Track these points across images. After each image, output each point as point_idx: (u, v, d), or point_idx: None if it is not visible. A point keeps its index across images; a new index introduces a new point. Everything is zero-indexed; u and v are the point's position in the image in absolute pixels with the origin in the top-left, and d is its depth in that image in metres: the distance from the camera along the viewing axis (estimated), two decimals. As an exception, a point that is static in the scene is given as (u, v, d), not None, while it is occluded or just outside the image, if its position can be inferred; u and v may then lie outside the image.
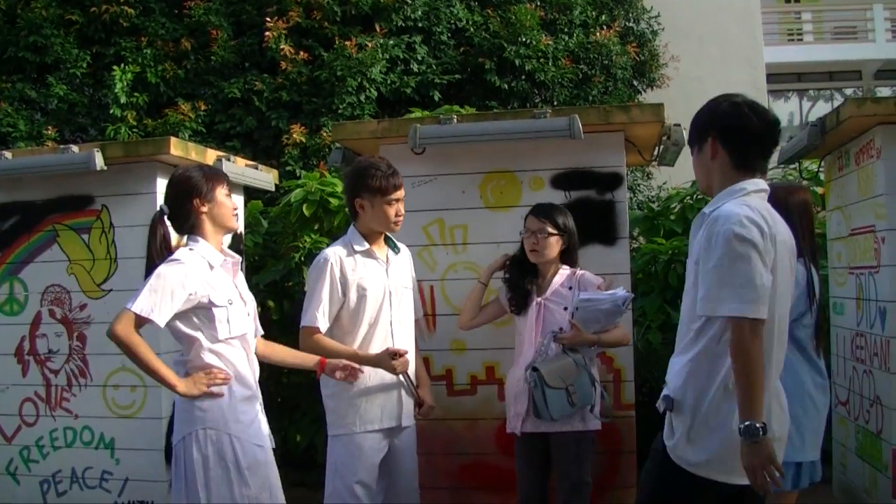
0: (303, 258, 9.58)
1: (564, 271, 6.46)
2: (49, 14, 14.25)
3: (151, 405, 7.37)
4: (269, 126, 14.00)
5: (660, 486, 4.35)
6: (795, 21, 32.34)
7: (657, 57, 17.77)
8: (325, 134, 13.26)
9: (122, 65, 14.14)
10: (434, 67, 14.78)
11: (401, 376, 6.01)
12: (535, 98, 15.18)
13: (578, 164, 7.17)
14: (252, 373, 5.27)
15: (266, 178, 8.65)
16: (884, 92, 29.11)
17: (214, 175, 5.36)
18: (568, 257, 6.49)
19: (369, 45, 14.07)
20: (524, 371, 6.15)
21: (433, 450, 6.45)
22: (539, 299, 6.38)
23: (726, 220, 3.93)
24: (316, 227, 9.88)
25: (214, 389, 5.02)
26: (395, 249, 6.25)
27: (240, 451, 4.99)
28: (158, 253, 5.14)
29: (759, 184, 4.19)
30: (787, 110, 32.35)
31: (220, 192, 5.29)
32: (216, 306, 5.05)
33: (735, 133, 4.19)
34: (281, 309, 9.81)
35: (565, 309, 6.31)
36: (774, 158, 9.91)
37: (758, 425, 3.82)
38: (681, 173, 10.11)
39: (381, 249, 6.12)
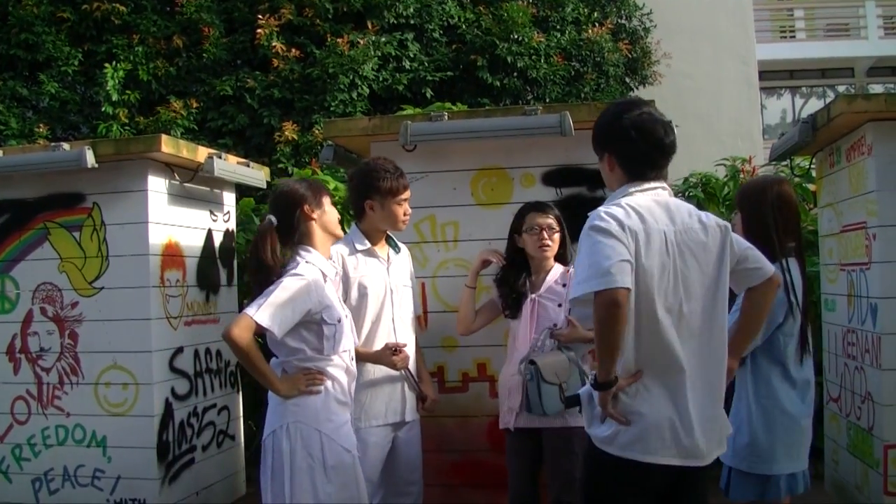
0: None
1: (558, 268, 6.37)
2: (40, 11, 14.28)
3: (143, 403, 7.36)
4: (261, 123, 14.03)
5: (586, 469, 4.52)
6: (788, 18, 32.29)
7: (649, 54, 17.82)
8: (316, 131, 13.29)
9: (114, 62, 14.17)
10: (426, 65, 14.81)
11: (403, 371, 6.07)
12: (527, 95, 15.20)
13: (569, 160, 7.18)
14: (349, 384, 5.37)
15: (258, 175, 8.64)
16: (876, 89, 29.15)
17: (319, 186, 5.52)
18: (561, 254, 6.40)
19: (361, 42, 14.08)
20: (519, 364, 6.11)
21: (425, 447, 6.38)
22: (533, 296, 6.28)
23: (590, 219, 4.24)
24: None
25: (312, 389, 5.14)
26: (396, 249, 6.30)
27: (327, 449, 5.09)
28: (275, 261, 5.21)
29: (647, 184, 4.40)
30: (779, 107, 32.39)
31: (327, 200, 5.45)
32: (326, 324, 5.17)
33: (623, 152, 4.44)
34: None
35: (559, 305, 6.24)
36: (765, 155, 9.97)
37: (608, 381, 4.17)
38: (672, 170, 10.10)
39: (382, 248, 6.16)
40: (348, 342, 5.36)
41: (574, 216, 6.77)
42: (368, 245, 6.01)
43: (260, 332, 5.01)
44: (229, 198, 8.70)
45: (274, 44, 14.08)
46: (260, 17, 14.25)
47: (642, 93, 17.30)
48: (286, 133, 13.51)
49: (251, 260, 5.26)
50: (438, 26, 15.15)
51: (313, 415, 5.11)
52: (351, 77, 13.86)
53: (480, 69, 14.68)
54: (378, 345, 5.96)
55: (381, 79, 14.40)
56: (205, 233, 8.29)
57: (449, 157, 7.27)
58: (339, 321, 5.23)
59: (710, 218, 4.44)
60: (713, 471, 4.74)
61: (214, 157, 7.71)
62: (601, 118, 4.54)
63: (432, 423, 6.79)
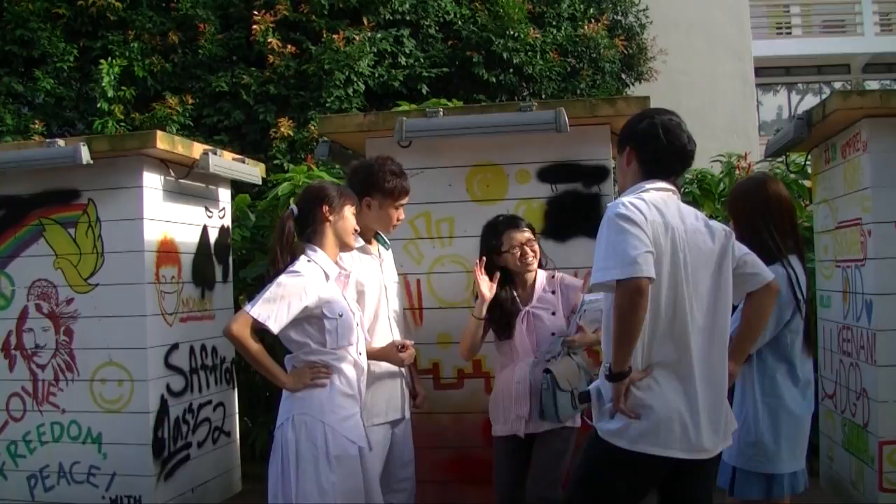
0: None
1: (542, 275, 6.41)
2: (36, 7, 14.21)
3: (138, 399, 7.36)
4: (256, 120, 14.01)
5: (589, 462, 4.62)
6: (784, 14, 32.33)
7: (645, 50, 17.79)
8: (312, 127, 13.25)
9: (110, 58, 14.11)
10: (422, 61, 14.79)
11: (404, 368, 6.12)
12: (523, 91, 15.20)
13: (565, 157, 7.18)
14: (357, 377, 5.44)
15: (253, 171, 8.65)
16: (872, 85, 29.13)
17: (346, 193, 5.62)
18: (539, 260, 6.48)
19: (357, 38, 14.06)
20: (529, 372, 6.17)
21: (420, 443, 6.39)
22: (526, 309, 6.29)
23: (612, 207, 4.34)
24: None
25: (318, 382, 5.24)
26: (385, 245, 6.30)
27: (330, 440, 5.16)
28: (284, 248, 5.34)
29: (661, 184, 4.53)
30: (775, 104, 32.39)
31: (348, 209, 5.55)
32: (327, 318, 5.27)
33: (646, 149, 4.57)
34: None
35: (553, 314, 6.27)
36: (761, 151, 9.97)
37: (622, 371, 4.29)
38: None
39: (373, 245, 6.17)
40: (355, 336, 5.41)
41: (569, 212, 6.84)
42: (362, 242, 5.98)
43: (264, 329, 5.10)
44: (225, 194, 8.70)
45: (270, 40, 14.05)
46: (256, 13, 14.21)
47: (638, 89, 17.29)
48: (282, 129, 13.49)
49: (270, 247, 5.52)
50: (434, 22, 15.13)
51: (318, 407, 5.20)
52: (346, 73, 13.85)
53: (476, 65, 14.66)
54: (377, 341, 5.98)
55: (376, 75, 14.38)
56: (200, 229, 8.28)
57: (444, 154, 7.27)
58: (342, 315, 5.30)
59: (715, 223, 4.62)
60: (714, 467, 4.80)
61: (210, 154, 7.70)
62: (631, 119, 4.71)
63: (427, 419, 6.84)
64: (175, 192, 7.82)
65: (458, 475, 7.05)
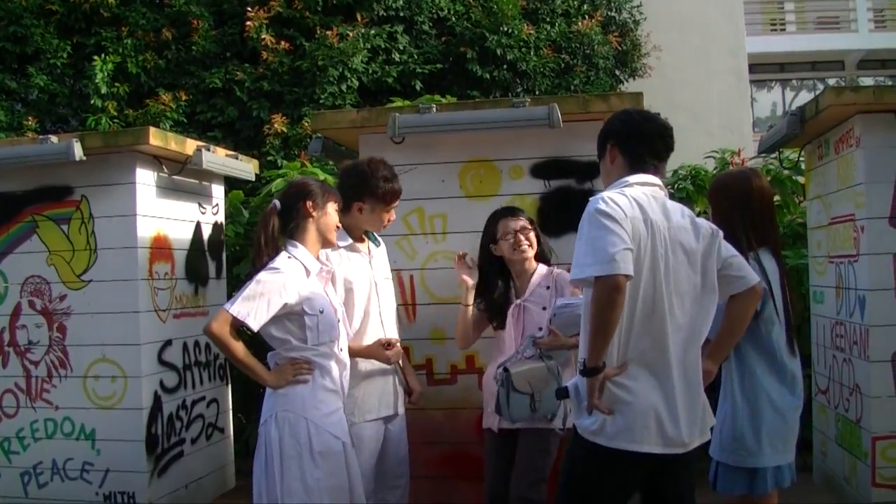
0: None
1: (542, 269, 6.33)
2: (29, 4, 14.29)
3: (132, 396, 7.36)
4: (250, 116, 14.04)
5: (572, 461, 4.61)
6: (778, 10, 32.30)
7: (639, 47, 17.85)
8: (306, 124, 13.28)
9: (103, 55, 14.17)
10: (416, 57, 14.83)
11: (394, 365, 6.10)
12: (516, 88, 15.22)
13: (558, 153, 7.17)
14: (339, 373, 5.43)
15: (246, 168, 8.66)
16: (867, 82, 29.04)
17: (330, 190, 5.62)
18: (541, 254, 6.40)
19: (350, 34, 14.10)
20: (497, 368, 6.08)
21: (414, 439, 6.40)
22: (518, 301, 6.26)
23: (592, 202, 4.30)
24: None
25: (300, 378, 5.22)
26: (376, 242, 6.29)
27: (314, 436, 5.15)
28: (268, 242, 5.34)
29: (646, 178, 4.52)
30: (769, 100, 32.39)
31: (332, 206, 5.53)
32: (308, 315, 5.25)
33: (627, 136, 4.59)
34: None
35: (543, 309, 6.18)
36: (755, 147, 9.99)
37: (596, 366, 4.24)
38: (662, 163, 10.15)
39: (363, 243, 6.15)
40: (336, 332, 5.40)
41: (563, 208, 6.84)
42: (350, 241, 5.99)
43: (244, 326, 5.11)
44: (218, 190, 8.70)
45: (263, 36, 14.09)
46: (249, 9, 14.27)
47: (632, 85, 17.32)
48: (275, 125, 13.53)
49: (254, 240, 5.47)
50: (428, 18, 15.16)
51: (300, 403, 5.18)
52: (340, 69, 13.87)
53: (470, 61, 14.69)
54: (368, 339, 5.97)
55: (370, 71, 14.41)
56: (193, 225, 8.29)
57: (437, 150, 7.26)
58: (322, 311, 5.28)
59: (702, 221, 4.58)
60: (701, 463, 4.79)
61: (203, 150, 7.71)
62: (607, 119, 4.70)
63: (421, 415, 6.81)
64: (168, 189, 7.82)
65: (453, 471, 7.04)
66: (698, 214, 10.68)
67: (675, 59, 19.53)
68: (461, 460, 7.00)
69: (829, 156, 7.48)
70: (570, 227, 6.73)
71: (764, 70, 30.34)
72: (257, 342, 5.43)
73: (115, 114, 14.05)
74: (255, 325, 5.08)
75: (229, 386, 8.79)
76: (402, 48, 14.78)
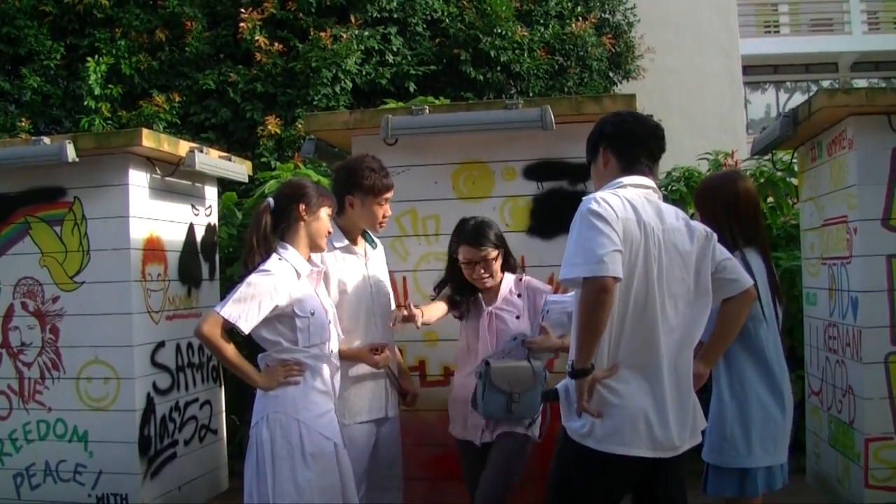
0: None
1: (509, 278, 6.26)
2: (22, 5, 14.32)
3: (124, 397, 7.36)
4: (243, 117, 14.06)
5: (562, 464, 4.62)
6: (772, 13, 32.34)
7: (633, 48, 17.87)
8: (299, 125, 13.29)
9: (97, 56, 14.22)
10: (409, 59, 14.84)
11: (385, 369, 6.08)
12: (510, 89, 15.25)
13: (551, 154, 7.18)
14: (330, 375, 5.47)
15: (240, 169, 8.66)
16: (860, 84, 29.14)
17: (325, 194, 5.64)
18: (506, 264, 6.29)
19: (344, 36, 14.13)
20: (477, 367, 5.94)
21: (407, 440, 6.46)
22: (490, 309, 6.15)
23: (585, 202, 4.33)
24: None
25: (291, 380, 5.24)
26: (373, 244, 6.28)
27: (305, 437, 5.19)
28: (260, 241, 5.37)
29: (640, 180, 4.54)
30: (763, 102, 32.41)
31: (325, 210, 5.55)
32: (299, 317, 5.29)
33: (620, 139, 4.62)
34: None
35: (517, 318, 6.12)
36: (749, 149, 10.00)
37: (584, 368, 4.28)
38: (655, 164, 10.18)
39: (359, 245, 6.15)
40: (327, 334, 5.44)
41: (555, 210, 6.86)
42: (346, 242, 6.00)
43: (236, 328, 5.12)
44: (211, 192, 8.70)
45: (257, 38, 14.11)
46: (243, 10, 14.28)
47: (626, 87, 17.33)
48: (269, 127, 13.57)
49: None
50: (422, 20, 15.18)
51: (292, 404, 5.22)
52: (334, 71, 13.89)
53: (464, 63, 14.71)
54: (362, 340, 5.97)
55: (364, 73, 14.43)
56: (187, 227, 8.28)
57: (430, 151, 7.28)
58: (313, 313, 5.33)
59: (697, 224, 4.62)
60: (695, 465, 4.81)
61: (196, 151, 7.71)
62: (598, 122, 4.69)
63: (413, 416, 6.83)
64: (161, 190, 7.82)
65: (446, 472, 6.98)
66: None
67: (668, 61, 19.55)
68: (454, 461, 6.92)
69: (821, 158, 7.48)
70: (563, 229, 6.66)
71: (758, 72, 30.38)
72: (251, 344, 5.41)
73: (109, 115, 14.08)
74: (245, 327, 5.11)
75: (222, 388, 8.78)
76: (395, 50, 14.79)
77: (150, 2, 15.01)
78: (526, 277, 6.34)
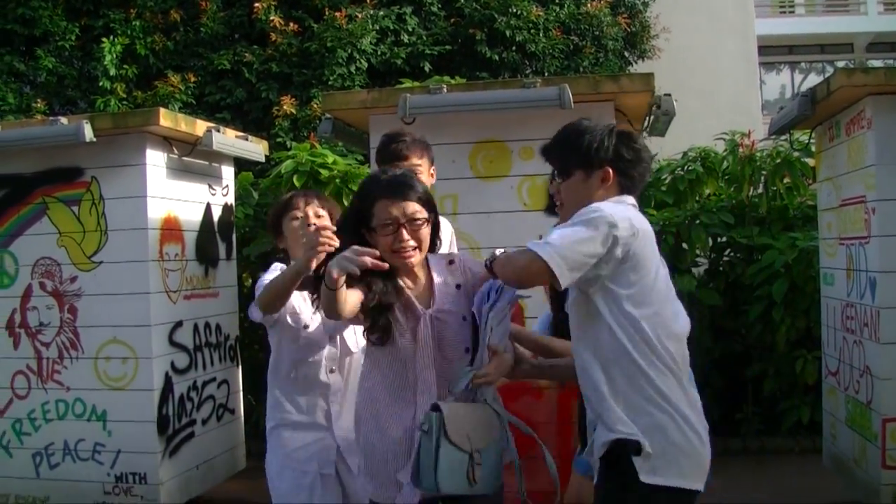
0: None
1: (436, 262, 4.43)
2: (37, -14, 14.27)
3: (143, 377, 7.41)
4: (259, 98, 14.04)
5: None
6: (787, -7, 32.34)
7: (648, 28, 17.74)
8: (315, 105, 13.31)
9: (111, 37, 14.22)
10: (424, 38, 14.79)
11: None
12: (525, 69, 15.19)
13: (569, 134, 7.12)
14: (316, 397, 5.43)
15: (256, 149, 8.67)
16: (876, 65, 29.09)
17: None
18: (430, 245, 4.43)
19: (359, 16, 14.08)
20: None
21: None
22: (429, 312, 4.25)
23: (599, 207, 3.87)
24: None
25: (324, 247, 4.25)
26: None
27: (283, 474, 5.36)
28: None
29: (632, 200, 4.21)
30: (778, 83, 32.42)
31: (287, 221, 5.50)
32: (291, 327, 5.32)
33: (629, 167, 4.21)
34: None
35: (464, 319, 4.28)
36: (765, 130, 9.98)
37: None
38: (671, 143, 10.21)
39: None
40: (322, 353, 5.42)
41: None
42: None
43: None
44: (228, 172, 8.73)
45: (272, 18, 14.10)
46: (257, -9, 14.26)
47: (641, 67, 17.25)
48: (284, 107, 13.57)
49: None
50: (437, 0, 15.13)
51: (272, 449, 5.47)
52: (349, 51, 13.86)
53: (479, 43, 14.66)
54: None
55: (379, 53, 14.40)
56: (203, 207, 8.32)
57: (448, 130, 7.26)
58: (307, 327, 5.35)
59: None
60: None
61: (213, 131, 7.75)
62: (599, 134, 4.22)
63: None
64: (178, 170, 7.85)
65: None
66: (708, 196, 10.78)
67: (684, 41, 19.45)
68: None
69: (839, 137, 7.47)
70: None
71: (773, 52, 30.35)
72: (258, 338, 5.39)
73: (124, 95, 14.11)
74: (255, 317, 5.30)
75: (239, 367, 8.83)
76: (410, 30, 14.75)
77: (164, -18, 15.02)
78: (455, 253, 4.92)
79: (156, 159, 7.56)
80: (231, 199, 8.87)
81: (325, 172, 9.70)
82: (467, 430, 3.97)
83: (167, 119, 7.31)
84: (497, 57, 14.73)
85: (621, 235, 3.78)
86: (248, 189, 10.28)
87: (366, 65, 14.17)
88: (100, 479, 7.51)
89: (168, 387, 7.58)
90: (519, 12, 14.80)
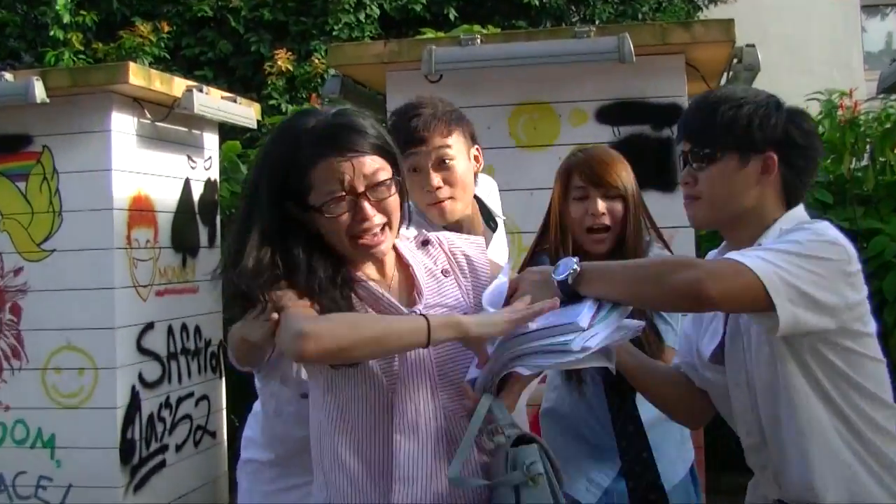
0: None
1: (403, 246, 3.52)
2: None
3: (103, 393, 7.36)
4: (247, 51, 14.08)
5: None
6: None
7: (722, -37, 17.72)
8: (316, 61, 13.34)
9: (65, -24, 14.14)
10: (449, -21, 14.78)
11: None
12: (571, 16, 15.19)
13: (629, 93, 7.15)
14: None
15: (247, 113, 8.66)
16: None
17: None
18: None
19: (370, -49, 14.06)
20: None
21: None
22: (417, 309, 3.33)
23: (831, 234, 3.43)
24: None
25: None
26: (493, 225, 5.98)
27: None
28: None
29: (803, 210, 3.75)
30: (883, 30, 32.20)
31: None
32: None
33: (801, 164, 3.75)
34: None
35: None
36: (869, 88, 9.89)
37: None
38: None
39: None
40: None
41: (635, 161, 6.70)
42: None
43: None
44: (211, 141, 8.72)
45: (263, -48, 14.08)
46: (245, -80, 14.25)
47: (713, 12, 17.21)
48: (279, 63, 13.56)
49: None
50: (464, -67, 15.14)
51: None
52: (358, -6, 13.87)
53: (515, -16, 14.67)
54: None
55: (393, -3, 14.41)
56: (181, 183, 8.31)
57: (482, 90, 7.24)
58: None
59: None
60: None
61: (194, 91, 7.70)
62: (763, 106, 3.69)
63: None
64: (151, 138, 7.83)
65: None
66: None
67: (768, -18, 19.43)
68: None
69: (967, 95, 7.40)
70: (645, 185, 6.53)
71: (877, -7, 30.24)
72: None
73: (81, 48, 14.08)
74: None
75: (223, 379, 8.83)
76: (432, -32, 14.76)
77: None
78: (437, 234, 3.74)
79: (123, 125, 7.53)
80: (215, 174, 8.88)
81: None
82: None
83: (139, 76, 7.27)
84: (537, 2, 14.70)
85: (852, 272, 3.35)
86: (234, 162, 10.22)
87: (378, 12, 14.19)
88: (46, 521, 7.47)
89: (134, 404, 7.54)
90: (565, -55, 14.80)
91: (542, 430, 4.85)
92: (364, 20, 13.93)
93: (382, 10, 14.24)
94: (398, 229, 3.41)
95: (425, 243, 3.57)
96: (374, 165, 3.23)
